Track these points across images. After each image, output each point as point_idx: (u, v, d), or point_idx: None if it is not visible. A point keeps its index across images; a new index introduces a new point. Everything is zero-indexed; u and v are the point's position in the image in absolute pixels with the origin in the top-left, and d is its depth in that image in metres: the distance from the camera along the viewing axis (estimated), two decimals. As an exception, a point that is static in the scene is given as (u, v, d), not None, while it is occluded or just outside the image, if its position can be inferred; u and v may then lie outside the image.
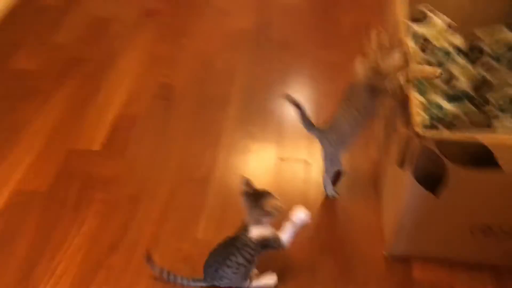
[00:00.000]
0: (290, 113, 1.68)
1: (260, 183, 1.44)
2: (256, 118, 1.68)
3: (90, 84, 1.81)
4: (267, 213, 1.10)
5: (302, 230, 1.15)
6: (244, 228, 1.14)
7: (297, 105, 1.30)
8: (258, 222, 1.12)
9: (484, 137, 1.00)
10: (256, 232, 1.13)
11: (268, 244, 1.14)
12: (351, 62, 1.80)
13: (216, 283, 1.18)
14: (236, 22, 2.07)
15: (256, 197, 1.12)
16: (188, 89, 1.78)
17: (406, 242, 1.26)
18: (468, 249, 1.23)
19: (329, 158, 1.34)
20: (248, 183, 1.13)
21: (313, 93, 1.75)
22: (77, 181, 1.48)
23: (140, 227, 1.37)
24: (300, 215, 1.13)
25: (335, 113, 1.27)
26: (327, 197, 1.42)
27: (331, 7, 2.11)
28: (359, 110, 1.20)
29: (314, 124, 1.33)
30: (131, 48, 1.96)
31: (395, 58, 1.12)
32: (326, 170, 1.38)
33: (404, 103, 1.13)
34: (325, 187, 1.41)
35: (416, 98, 1.09)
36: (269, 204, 1.09)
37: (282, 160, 1.54)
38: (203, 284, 1.20)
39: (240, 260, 1.13)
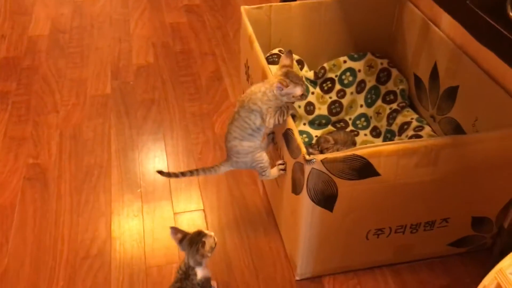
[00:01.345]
0: (175, 167, 1.71)
1: (161, 241, 1.46)
2: (141, 178, 1.66)
3: None
4: (205, 256, 1.18)
5: (215, 276, 1.18)
6: (190, 270, 1.19)
7: (181, 174, 1.32)
8: (198, 264, 1.19)
9: (360, 151, 1.14)
10: (201, 273, 1.19)
11: (207, 285, 1.20)
12: (216, 111, 1.92)
13: None
14: (94, 89, 2.05)
15: (190, 242, 1.19)
16: (61, 165, 1.70)
17: (313, 263, 1.34)
18: (367, 254, 1.36)
19: (256, 167, 1.32)
20: (175, 231, 1.21)
21: (186, 143, 1.79)
22: (-44, 291, 1.31)
23: (43, 322, 1.25)
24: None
25: (226, 133, 1.29)
26: (232, 238, 1.46)
27: (185, 62, 2.20)
28: (250, 126, 1.25)
29: (215, 165, 1.33)
30: (-16, 135, 1.82)
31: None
32: (261, 175, 1.34)
33: (286, 134, 1.23)
34: (273, 176, 1.35)
35: (296, 130, 1.20)
36: (204, 249, 1.17)
37: (178, 214, 1.55)
38: None
39: None
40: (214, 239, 1.20)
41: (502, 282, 0.56)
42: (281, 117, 1.23)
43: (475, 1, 0.77)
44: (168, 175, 1.33)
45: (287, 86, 1.21)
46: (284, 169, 1.31)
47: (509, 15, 0.69)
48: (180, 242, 1.20)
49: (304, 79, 1.74)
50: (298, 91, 1.23)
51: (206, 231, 1.21)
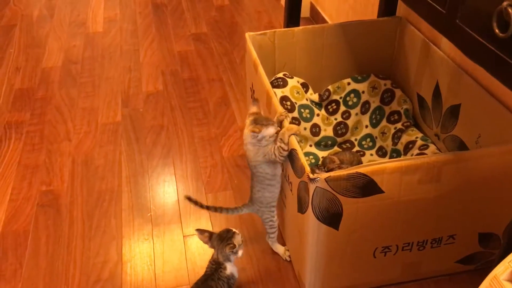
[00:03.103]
0: (184, 190, 1.74)
1: (171, 264, 1.48)
2: (151, 203, 1.69)
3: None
4: (233, 253, 1.27)
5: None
6: (219, 265, 1.28)
7: (206, 207, 1.42)
8: (228, 260, 1.28)
9: (363, 168, 1.16)
10: (230, 269, 1.28)
11: (232, 282, 1.29)
12: (224, 135, 1.96)
13: None
14: (105, 117, 2.10)
15: (220, 238, 1.29)
16: (73, 192, 1.74)
17: (321, 282, 1.35)
18: (375, 272, 1.36)
19: (267, 222, 1.42)
20: (201, 231, 1.31)
21: (195, 167, 1.83)
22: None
23: None
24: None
25: (251, 186, 1.40)
26: (241, 259, 1.47)
27: (193, 89, 2.26)
28: (266, 177, 1.34)
29: (235, 206, 1.45)
30: None
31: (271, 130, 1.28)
32: (269, 234, 1.46)
33: (291, 156, 1.26)
34: (276, 250, 1.49)
35: (301, 149, 1.22)
36: (230, 247, 1.26)
37: (187, 236, 1.57)
38: None
39: None
40: (241, 237, 1.30)
41: (497, 288, 0.57)
42: (282, 151, 1.27)
43: (464, 19, 0.81)
44: (195, 203, 1.39)
45: (259, 131, 1.26)
46: (289, 258, 1.45)
47: (495, 31, 0.72)
48: (209, 239, 1.30)
49: (309, 101, 1.78)
50: (271, 130, 1.28)
51: (233, 229, 1.30)
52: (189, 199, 1.38)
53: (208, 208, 1.41)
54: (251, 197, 1.41)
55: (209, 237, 1.30)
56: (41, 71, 2.42)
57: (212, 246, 1.30)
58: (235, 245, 1.26)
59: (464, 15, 0.80)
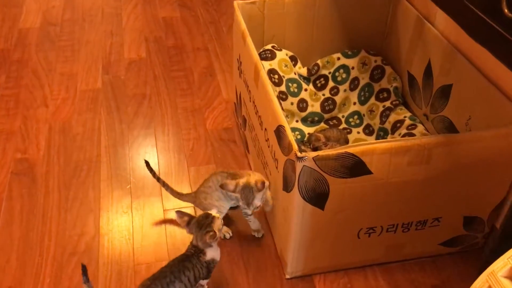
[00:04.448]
0: (165, 162, 1.69)
1: (150, 238, 1.44)
2: (131, 174, 1.64)
3: None
4: (213, 238, 1.18)
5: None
6: (199, 251, 1.20)
7: (157, 178, 1.48)
8: (208, 246, 1.20)
9: (352, 148, 1.12)
10: (211, 254, 1.21)
11: (212, 267, 1.22)
12: (208, 107, 1.90)
13: None
14: (85, 84, 2.02)
15: (198, 224, 1.20)
16: (50, 160, 1.67)
17: (303, 261, 1.33)
18: (358, 252, 1.35)
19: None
20: (181, 215, 1.21)
21: (177, 139, 1.77)
22: None
23: (29, 319, 1.23)
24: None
25: (202, 185, 1.39)
26: (224, 238, 1.44)
27: (177, 57, 2.18)
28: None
29: (180, 192, 1.47)
30: (-29, 129, 1.79)
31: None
32: None
33: (278, 131, 1.22)
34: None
35: (288, 127, 1.18)
36: (210, 236, 1.17)
37: (168, 210, 1.53)
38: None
39: (192, 277, 1.18)
40: (221, 220, 1.22)
41: (494, 285, 0.54)
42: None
43: (470, -3, 0.76)
44: (151, 170, 1.46)
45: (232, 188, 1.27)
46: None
47: (505, 12, 0.67)
48: (187, 224, 1.21)
49: (297, 75, 1.73)
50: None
51: (213, 213, 1.21)
52: (147, 164, 1.47)
53: (158, 180, 1.47)
54: (198, 189, 1.39)
55: (187, 221, 1.21)
56: (18, 32, 2.31)
57: (190, 232, 1.22)
58: (215, 233, 1.17)
59: (470, -8, 0.76)
